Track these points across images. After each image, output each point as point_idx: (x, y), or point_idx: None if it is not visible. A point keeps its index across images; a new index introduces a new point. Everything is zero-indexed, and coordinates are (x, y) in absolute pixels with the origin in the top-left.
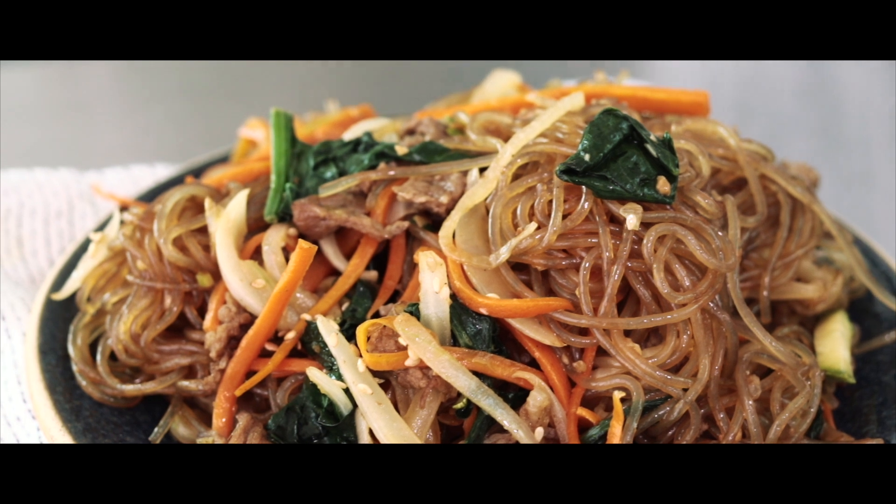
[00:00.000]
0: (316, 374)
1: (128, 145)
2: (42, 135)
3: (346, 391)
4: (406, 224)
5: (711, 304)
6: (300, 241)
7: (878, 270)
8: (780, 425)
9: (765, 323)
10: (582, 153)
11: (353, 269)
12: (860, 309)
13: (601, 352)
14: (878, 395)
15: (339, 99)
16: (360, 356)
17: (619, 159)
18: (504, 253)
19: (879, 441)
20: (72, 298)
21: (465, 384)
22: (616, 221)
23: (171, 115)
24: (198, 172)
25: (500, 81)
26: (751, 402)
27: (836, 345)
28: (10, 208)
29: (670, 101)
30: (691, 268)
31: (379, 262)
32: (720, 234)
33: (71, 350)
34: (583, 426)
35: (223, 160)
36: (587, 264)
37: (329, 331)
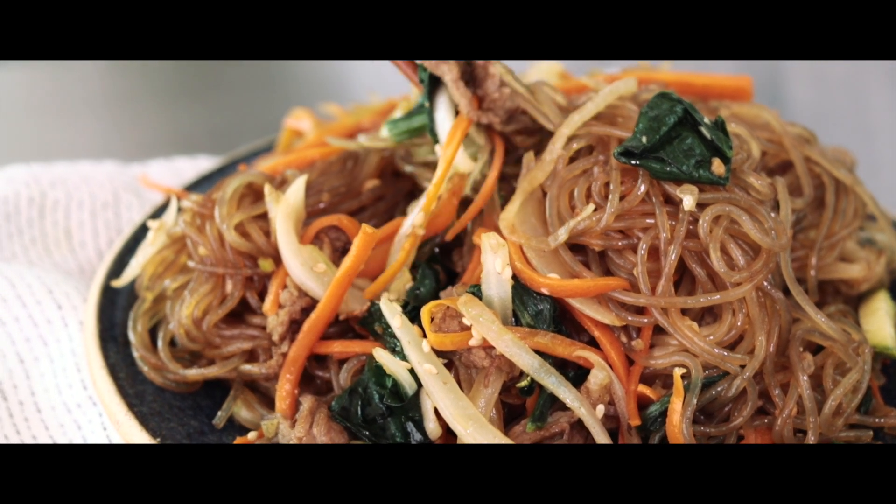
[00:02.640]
0: (382, 355)
1: (162, 139)
2: (82, 129)
3: (411, 371)
4: None
5: (765, 283)
6: (363, 225)
7: None
8: (835, 400)
9: (813, 302)
10: (639, 135)
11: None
12: None
13: (658, 331)
14: None
15: (376, 90)
16: (425, 337)
17: (674, 141)
18: (562, 234)
19: None
20: (123, 288)
21: (529, 363)
22: (671, 202)
23: (206, 108)
24: (240, 162)
25: (543, 68)
26: (805, 378)
27: (882, 323)
28: (58, 200)
29: (714, 86)
30: (745, 247)
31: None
32: (772, 214)
33: (131, 336)
34: (642, 403)
35: (266, 151)
36: (645, 245)
37: (393, 313)
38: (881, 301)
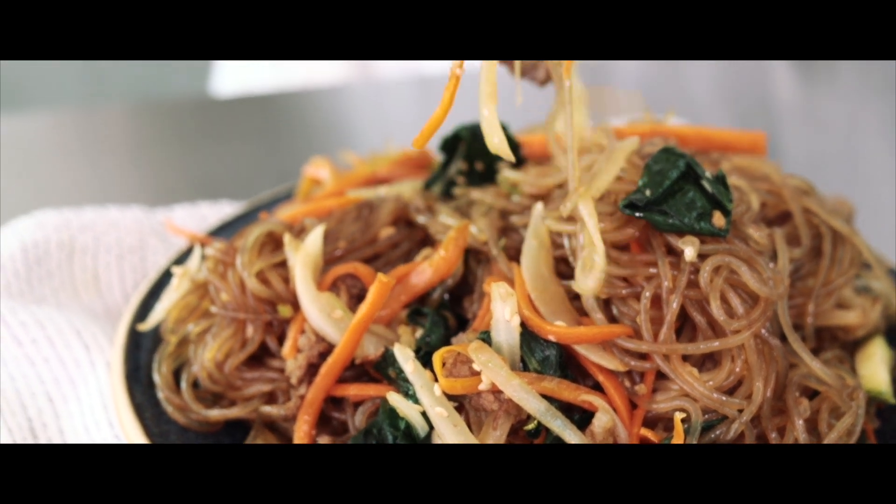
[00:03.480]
0: (396, 399)
1: (186, 183)
2: (110, 173)
3: (423, 414)
4: None
5: (763, 331)
6: (378, 274)
7: None
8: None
9: (810, 348)
10: (643, 188)
11: None
12: None
13: (660, 376)
14: None
15: (394, 138)
16: (436, 381)
17: (676, 195)
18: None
19: None
20: (148, 331)
21: (536, 407)
22: (673, 253)
23: (228, 154)
24: (261, 209)
25: None
26: (801, 422)
27: (876, 368)
28: (87, 244)
29: (729, 141)
30: (744, 296)
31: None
32: (770, 264)
33: (156, 378)
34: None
35: (286, 197)
36: (648, 293)
37: (406, 358)
38: (876, 347)
